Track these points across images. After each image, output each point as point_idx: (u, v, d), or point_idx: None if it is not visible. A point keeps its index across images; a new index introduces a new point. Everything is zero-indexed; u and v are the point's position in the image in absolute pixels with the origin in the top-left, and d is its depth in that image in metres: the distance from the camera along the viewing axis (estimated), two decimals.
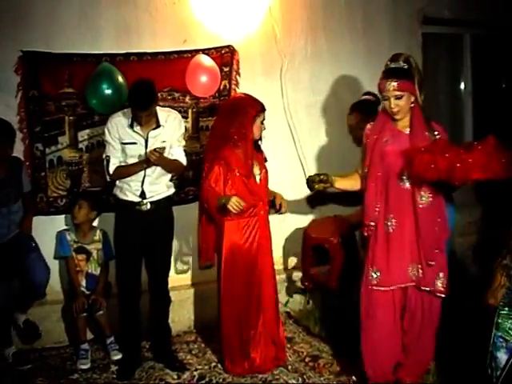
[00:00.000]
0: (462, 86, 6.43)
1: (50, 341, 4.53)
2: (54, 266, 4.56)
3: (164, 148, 3.94)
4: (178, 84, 4.73)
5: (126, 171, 3.99)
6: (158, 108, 4.01)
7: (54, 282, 4.62)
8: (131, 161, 3.97)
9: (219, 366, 4.18)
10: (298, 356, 4.30)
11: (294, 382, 3.94)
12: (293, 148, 5.27)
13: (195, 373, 4.10)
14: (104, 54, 4.53)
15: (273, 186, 4.33)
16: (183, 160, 4.14)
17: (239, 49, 4.97)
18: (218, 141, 3.98)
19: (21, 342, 4.40)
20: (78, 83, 4.46)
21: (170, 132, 4.04)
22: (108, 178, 4.06)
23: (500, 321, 2.90)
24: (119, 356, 4.29)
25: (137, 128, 3.92)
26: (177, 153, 4.10)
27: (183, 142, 4.20)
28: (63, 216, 4.63)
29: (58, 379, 4.03)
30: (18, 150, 4.41)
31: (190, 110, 4.88)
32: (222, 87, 4.93)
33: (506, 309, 2.91)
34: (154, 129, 3.95)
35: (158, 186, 4.07)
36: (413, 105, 3.40)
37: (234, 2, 4.85)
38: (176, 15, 4.79)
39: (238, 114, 3.90)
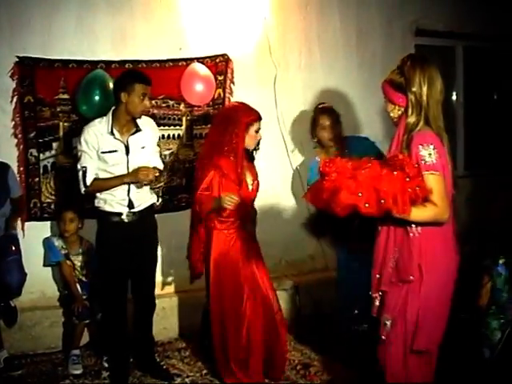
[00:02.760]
0: (454, 97, 6.47)
1: (42, 346, 4.52)
2: (46, 271, 4.58)
3: (156, 169, 3.84)
4: (173, 92, 4.78)
5: (104, 185, 3.86)
6: None
7: (46, 288, 4.62)
8: (113, 169, 3.86)
9: (211, 373, 4.18)
10: (289, 364, 4.28)
11: None
12: (285, 157, 5.30)
13: (187, 379, 4.11)
14: (100, 61, 4.55)
15: (265, 194, 4.39)
16: (161, 167, 4.09)
17: (234, 58, 5.01)
18: (211, 149, 3.91)
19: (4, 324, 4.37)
20: (73, 89, 4.48)
21: (149, 137, 3.98)
22: (83, 191, 3.86)
23: (489, 320, 3.14)
24: None
25: (117, 134, 3.84)
26: (155, 160, 4.02)
27: (158, 148, 4.17)
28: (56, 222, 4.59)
29: None
30: (12, 156, 4.43)
31: (184, 118, 4.91)
32: (216, 96, 4.97)
33: (493, 307, 3.14)
34: (133, 134, 3.89)
35: (143, 193, 3.99)
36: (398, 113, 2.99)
37: (230, 12, 4.92)
38: (172, 23, 4.83)
39: (230, 122, 3.84)
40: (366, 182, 2.62)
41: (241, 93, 5.03)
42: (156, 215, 4.68)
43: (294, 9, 5.28)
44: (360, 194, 2.60)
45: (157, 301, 4.62)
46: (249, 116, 3.87)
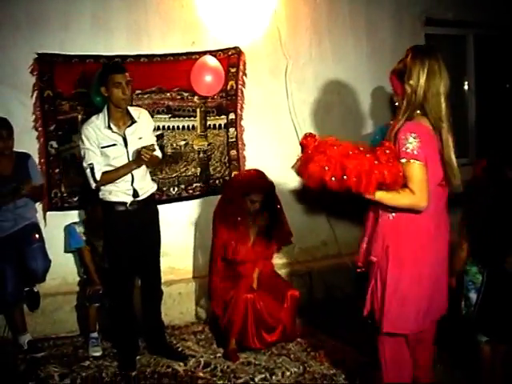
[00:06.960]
0: (466, 86, 6.52)
1: (63, 330, 4.68)
2: (67, 257, 4.74)
3: (153, 145, 3.97)
4: (187, 84, 4.88)
5: (114, 176, 3.97)
6: (128, 107, 4.07)
7: (67, 275, 4.77)
8: (115, 162, 3.96)
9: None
10: (300, 346, 4.42)
11: (296, 370, 4.06)
12: (297, 147, 5.37)
13: (201, 359, 4.24)
14: (115, 56, 4.68)
15: (277, 183, 4.56)
16: (160, 154, 4.22)
17: (246, 50, 5.12)
18: None
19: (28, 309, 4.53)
20: (90, 83, 4.62)
21: (144, 128, 4.10)
22: (93, 186, 3.98)
23: (468, 268, 3.48)
24: None
25: (114, 128, 3.96)
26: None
27: (155, 137, 4.29)
28: (76, 212, 4.76)
29: (70, 366, 4.18)
30: (34, 148, 4.59)
31: (198, 109, 5.05)
32: (229, 87, 5.11)
33: (470, 258, 3.48)
34: (129, 126, 4.01)
35: (145, 182, 4.12)
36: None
37: (241, 6, 5.02)
38: (185, 18, 4.95)
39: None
40: (334, 158, 2.79)
41: (253, 84, 5.17)
42: (172, 203, 4.90)
43: (304, 0, 5.37)
44: (326, 168, 2.78)
45: (173, 286, 4.82)
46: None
